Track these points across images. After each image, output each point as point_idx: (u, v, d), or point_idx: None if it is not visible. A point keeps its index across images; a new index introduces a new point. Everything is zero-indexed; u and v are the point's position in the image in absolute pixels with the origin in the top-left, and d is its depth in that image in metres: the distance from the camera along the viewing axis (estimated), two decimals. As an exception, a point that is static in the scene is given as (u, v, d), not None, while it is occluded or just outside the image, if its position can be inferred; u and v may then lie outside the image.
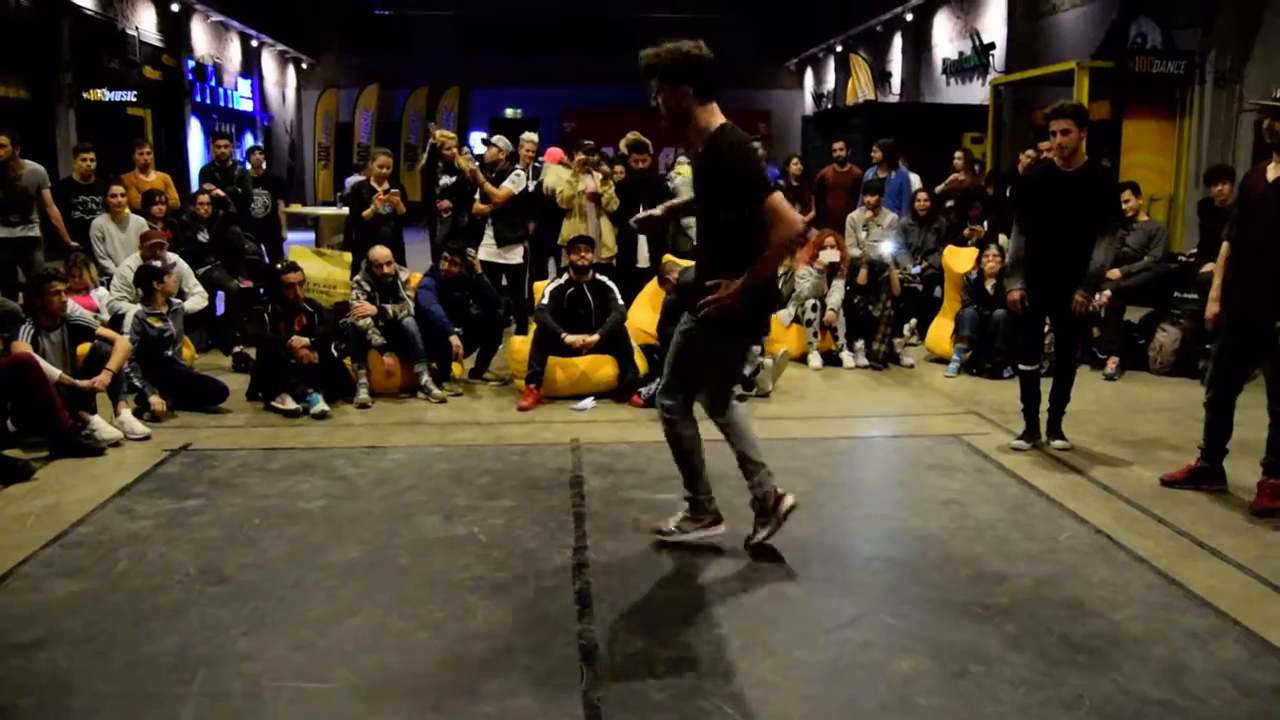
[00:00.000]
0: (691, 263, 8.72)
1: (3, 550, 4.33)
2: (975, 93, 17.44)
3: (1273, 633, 3.57)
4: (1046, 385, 5.93)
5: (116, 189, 8.66)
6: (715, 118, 3.96)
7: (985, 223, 9.53)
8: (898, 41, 21.40)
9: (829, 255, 8.26)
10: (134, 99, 15.54)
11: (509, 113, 27.64)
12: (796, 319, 8.23)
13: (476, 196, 8.82)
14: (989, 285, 8.02)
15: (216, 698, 3.18)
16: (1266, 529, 4.61)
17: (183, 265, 7.84)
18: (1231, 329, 4.99)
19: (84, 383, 5.96)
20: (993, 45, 17.11)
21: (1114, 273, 8.02)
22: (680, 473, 4.34)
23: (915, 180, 11.16)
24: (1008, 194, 9.65)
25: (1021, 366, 5.98)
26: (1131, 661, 3.39)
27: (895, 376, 8.02)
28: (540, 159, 9.44)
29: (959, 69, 18.65)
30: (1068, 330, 5.82)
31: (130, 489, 5.19)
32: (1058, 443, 5.84)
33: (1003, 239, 8.72)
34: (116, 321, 7.33)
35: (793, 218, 3.88)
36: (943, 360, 8.22)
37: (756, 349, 7.01)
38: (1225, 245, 5.12)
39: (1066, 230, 5.58)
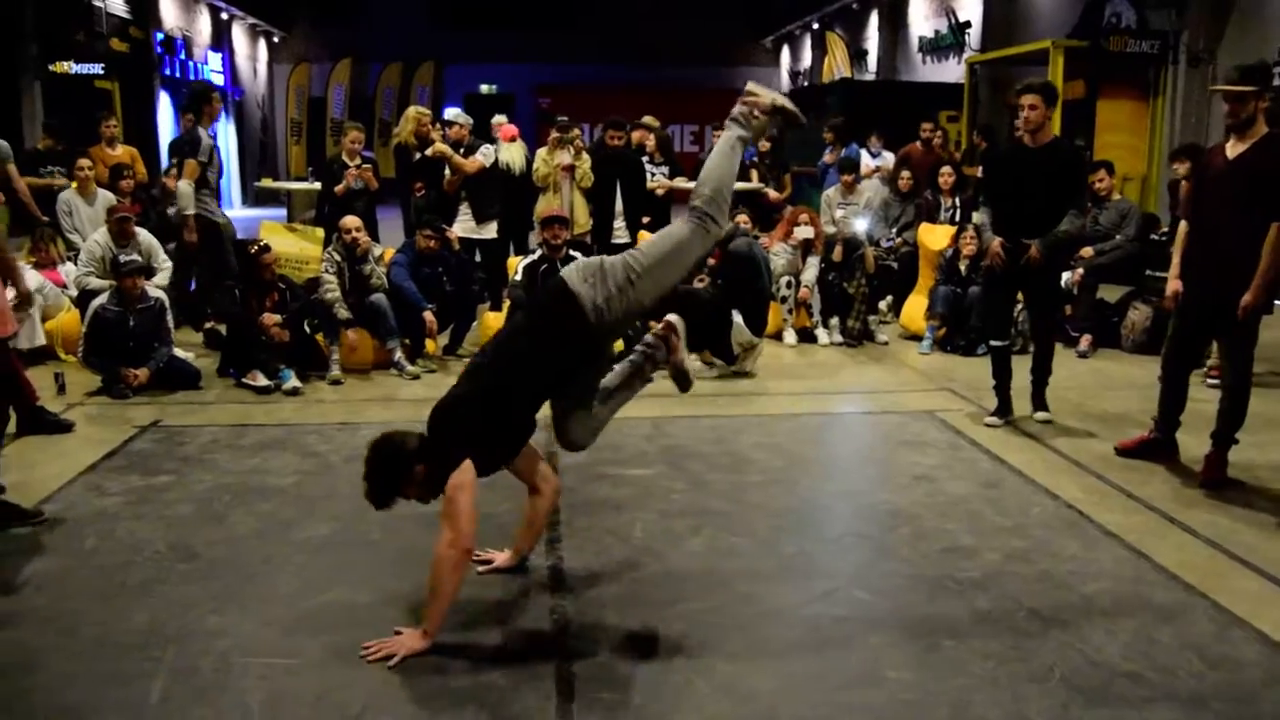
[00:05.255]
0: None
1: (-33, 527, 4.27)
2: (951, 71, 17.45)
3: (1240, 606, 3.61)
4: (1017, 363, 5.99)
5: (83, 163, 8.52)
6: None
7: (957, 198, 9.54)
8: (874, 19, 21.35)
9: (803, 232, 8.26)
10: (101, 72, 15.27)
11: (484, 89, 27.38)
12: (771, 296, 8.22)
13: (447, 172, 8.74)
14: (963, 265, 8.05)
15: (186, 674, 3.15)
16: (1233, 504, 4.66)
17: (151, 240, 7.73)
18: (1189, 305, 5.05)
19: None
20: (968, 24, 17.11)
21: (1086, 251, 8.08)
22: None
23: (889, 158, 11.25)
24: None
25: (992, 343, 6.03)
26: (1100, 634, 3.42)
27: (870, 353, 8.04)
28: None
29: (935, 47, 18.65)
30: (1039, 305, 5.92)
31: (99, 465, 5.13)
32: (1040, 414, 5.93)
33: (976, 217, 8.73)
34: (85, 297, 7.23)
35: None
36: (917, 337, 8.25)
37: (746, 331, 7.05)
38: (1183, 223, 5.20)
39: (1034, 205, 5.64)
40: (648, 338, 3.80)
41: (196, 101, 8.22)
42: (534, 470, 3.79)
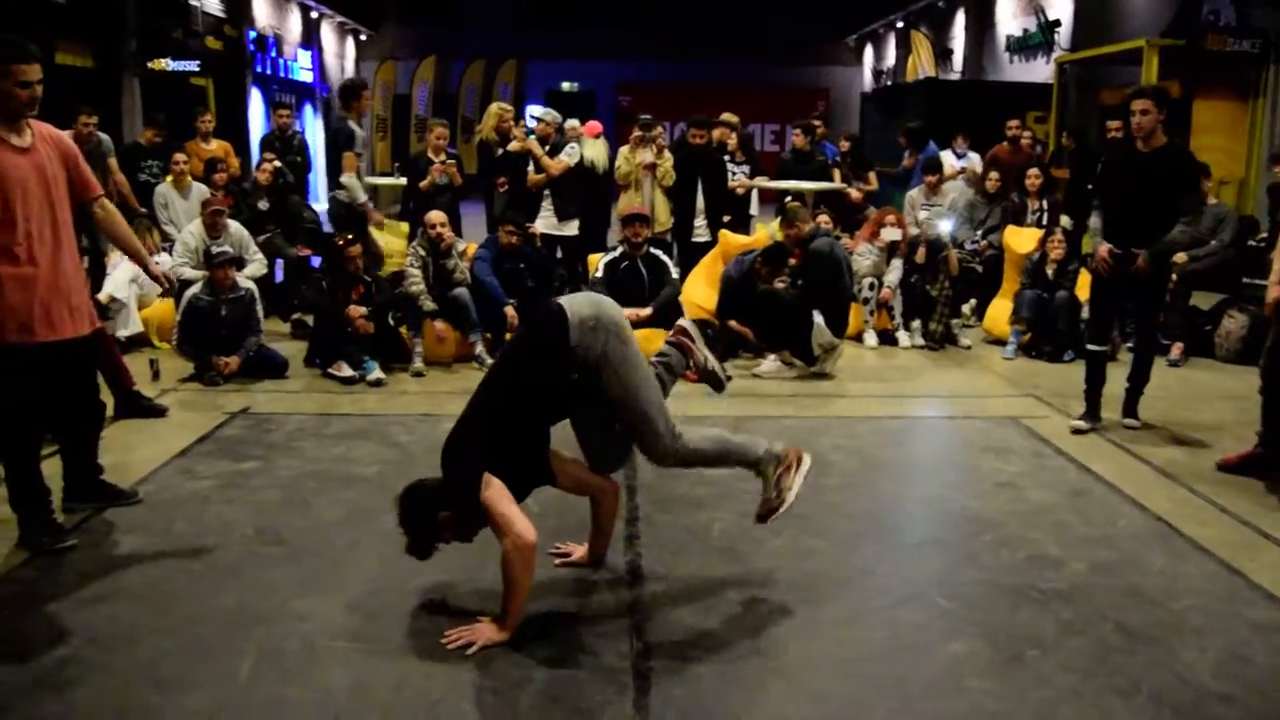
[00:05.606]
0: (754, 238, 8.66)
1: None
2: (1039, 71, 17.07)
3: (1340, 627, 3.48)
4: (1110, 370, 5.87)
5: (179, 157, 8.80)
6: None
7: (1044, 200, 9.34)
8: (960, 18, 21.00)
9: (890, 233, 8.17)
10: (197, 69, 15.72)
11: (565, 86, 27.56)
12: (853, 296, 8.13)
13: (530, 169, 8.82)
14: (1050, 269, 7.88)
15: (272, 654, 3.23)
16: (1334, 521, 4.49)
17: (243, 232, 7.95)
18: None
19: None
20: (1058, 22, 16.72)
21: (1180, 256, 7.83)
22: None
23: (975, 159, 11.07)
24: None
25: (1090, 346, 5.92)
26: (1191, 651, 3.32)
27: (952, 357, 7.92)
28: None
29: (1023, 46, 18.26)
30: (1143, 313, 5.85)
31: (190, 450, 5.29)
32: (1129, 420, 5.85)
33: (1064, 220, 8.55)
34: (179, 287, 7.45)
35: None
36: (1000, 342, 8.09)
37: (827, 332, 6.99)
38: None
39: (1144, 209, 5.54)
40: (663, 346, 3.79)
41: (347, 96, 8.41)
42: (583, 480, 3.76)
